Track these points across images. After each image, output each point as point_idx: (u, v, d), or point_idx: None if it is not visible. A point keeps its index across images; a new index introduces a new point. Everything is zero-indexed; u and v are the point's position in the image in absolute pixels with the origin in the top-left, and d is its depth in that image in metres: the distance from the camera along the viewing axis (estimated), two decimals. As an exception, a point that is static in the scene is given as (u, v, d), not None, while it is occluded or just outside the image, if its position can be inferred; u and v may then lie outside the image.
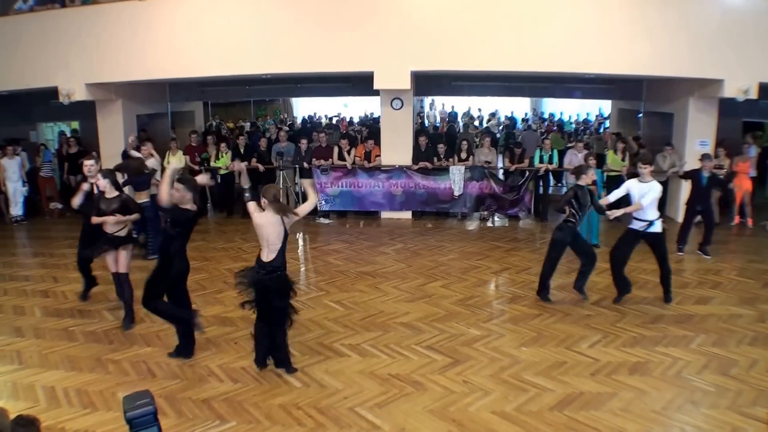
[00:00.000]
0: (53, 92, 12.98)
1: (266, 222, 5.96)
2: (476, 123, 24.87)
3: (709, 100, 12.38)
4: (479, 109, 27.13)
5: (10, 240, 12.59)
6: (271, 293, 6.06)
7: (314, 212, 13.66)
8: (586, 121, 24.71)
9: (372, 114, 25.81)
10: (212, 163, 13.80)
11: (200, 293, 8.56)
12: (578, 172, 8.19)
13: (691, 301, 8.31)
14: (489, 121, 25.37)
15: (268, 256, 6.01)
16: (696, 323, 7.54)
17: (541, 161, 13.15)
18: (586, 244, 8.55)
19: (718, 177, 10.74)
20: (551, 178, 14.44)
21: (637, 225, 8.10)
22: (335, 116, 27.19)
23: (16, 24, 13.10)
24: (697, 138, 12.65)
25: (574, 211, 7.94)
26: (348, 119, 26.80)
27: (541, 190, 13.74)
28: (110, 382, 6.15)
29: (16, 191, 13.69)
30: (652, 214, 8.00)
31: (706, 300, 8.36)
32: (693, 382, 6.04)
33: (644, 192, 7.95)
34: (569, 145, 16.16)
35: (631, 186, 8.20)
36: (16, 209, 13.81)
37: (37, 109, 16.79)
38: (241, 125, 23.91)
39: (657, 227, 8.05)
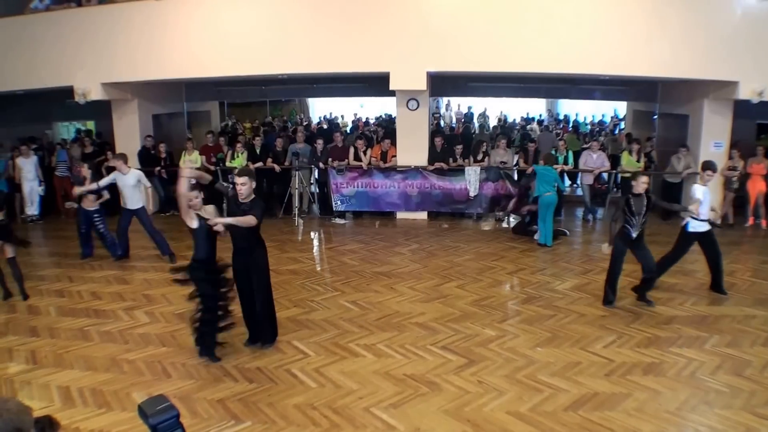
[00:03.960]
0: (69, 91, 13.06)
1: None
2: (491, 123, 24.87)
3: (723, 102, 12.30)
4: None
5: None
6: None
7: (330, 212, 13.70)
8: (601, 123, 24.64)
9: (385, 114, 25.80)
10: (228, 163, 13.83)
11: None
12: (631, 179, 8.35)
13: (705, 302, 8.26)
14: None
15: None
16: (710, 324, 7.50)
17: (556, 162, 13.08)
18: (648, 252, 8.23)
19: None
20: (567, 179, 14.38)
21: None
22: (356, 119, 27.15)
23: (32, 23, 13.19)
24: (712, 140, 12.60)
25: (627, 218, 7.92)
26: (364, 120, 26.80)
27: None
28: (125, 382, 6.18)
29: (33, 191, 13.77)
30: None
31: (720, 301, 8.32)
32: (707, 382, 6.01)
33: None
34: (585, 146, 16.10)
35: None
36: (32, 209, 13.90)
37: (54, 108, 16.89)
38: (257, 125, 24.00)
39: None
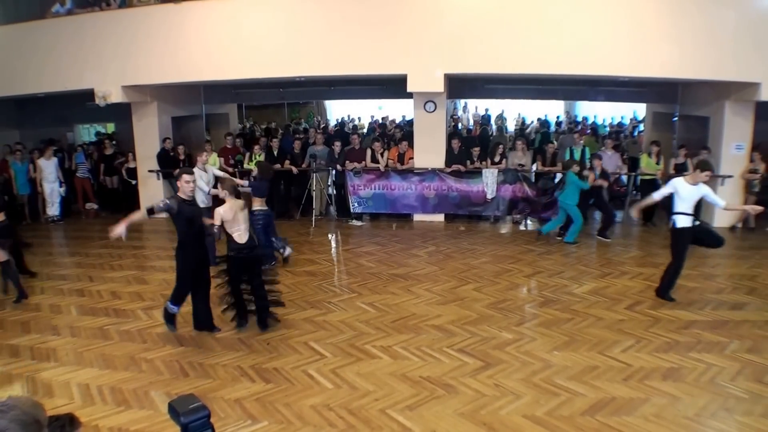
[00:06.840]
0: (90, 94, 13.17)
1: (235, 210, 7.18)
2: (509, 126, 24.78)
3: (745, 104, 12.19)
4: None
5: (46, 240, 12.81)
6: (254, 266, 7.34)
7: (347, 214, 13.71)
8: (620, 125, 24.49)
9: (404, 117, 25.73)
10: (246, 165, 13.88)
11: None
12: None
13: (726, 306, 8.18)
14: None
15: (242, 237, 7.19)
16: (730, 329, 7.43)
17: (572, 157, 12.96)
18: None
19: None
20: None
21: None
22: (373, 121, 27.07)
23: (54, 27, 13.35)
24: (733, 142, 12.49)
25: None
26: (380, 121, 26.72)
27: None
28: (144, 381, 6.23)
29: (53, 191, 13.94)
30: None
31: (741, 306, 8.23)
32: (727, 388, 5.94)
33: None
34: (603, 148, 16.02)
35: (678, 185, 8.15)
36: (53, 209, 14.06)
37: (75, 110, 17.04)
38: (269, 126, 24.06)
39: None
